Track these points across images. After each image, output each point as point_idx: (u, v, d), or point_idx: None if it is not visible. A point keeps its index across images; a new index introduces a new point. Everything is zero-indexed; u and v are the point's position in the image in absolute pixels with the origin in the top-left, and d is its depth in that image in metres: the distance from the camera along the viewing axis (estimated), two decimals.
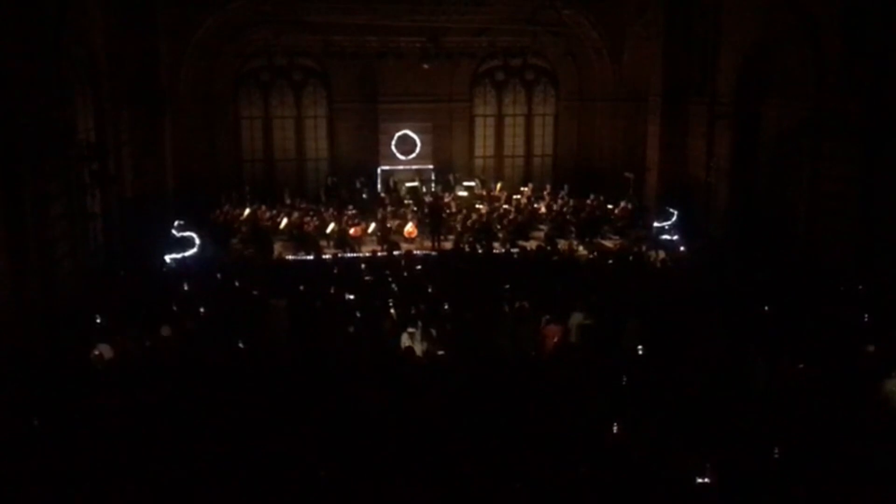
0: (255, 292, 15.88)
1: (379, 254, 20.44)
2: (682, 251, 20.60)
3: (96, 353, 11.97)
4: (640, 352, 12.28)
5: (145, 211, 21.34)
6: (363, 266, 18.11)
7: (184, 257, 19.55)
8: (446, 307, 14.49)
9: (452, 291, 15.60)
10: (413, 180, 27.00)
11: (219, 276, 17.40)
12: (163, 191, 22.68)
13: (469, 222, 22.73)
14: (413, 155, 27.63)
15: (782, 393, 10.56)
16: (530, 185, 27.22)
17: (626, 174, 25.98)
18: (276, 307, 14.28)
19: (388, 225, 22.59)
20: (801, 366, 11.12)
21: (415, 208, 24.24)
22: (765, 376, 10.94)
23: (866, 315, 13.32)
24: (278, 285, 16.23)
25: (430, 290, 16.09)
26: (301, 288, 16.23)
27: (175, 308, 14.45)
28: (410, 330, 12.84)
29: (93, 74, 18.84)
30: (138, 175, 21.72)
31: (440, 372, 11.71)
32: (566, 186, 26.42)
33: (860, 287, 15.20)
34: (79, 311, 14.28)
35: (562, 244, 20.98)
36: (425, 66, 25.50)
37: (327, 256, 20.28)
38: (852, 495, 7.99)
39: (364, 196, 25.90)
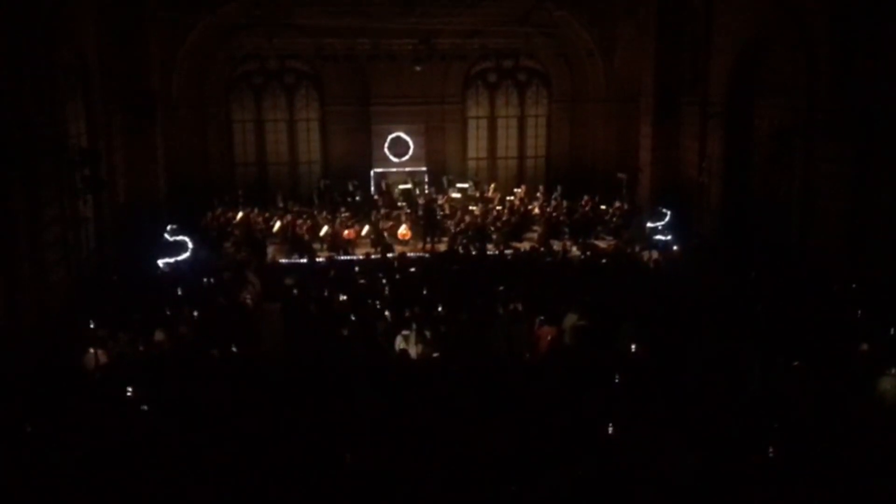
0: (247, 296, 15.88)
1: (373, 256, 20.42)
2: (676, 251, 20.62)
3: (90, 358, 11.94)
4: (634, 352, 12.29)
5: (138, 216, 21.28)
6: (357, 269, 18.09)
7: (177, 262, 19.47)
8: (440, 309, 14.49)
9: (446, 293, 15.59)
10: (406, 182, 26.97)
11: (211, 280, 17.34)
12: (155, 195, 22.61)
13: (463, 224, 22.72)
14: (406, 157, 27.62)
15: (776, 392, 10.57)
16: (523, 186, 27.23)
17: (619, 175, 26.01)
18: (270, 310, 14.26)
19: (382, 227, 22.57)
20: (795, 365, 11.14)
21: (408, 210, 24.22)
22: (759, 376, 10.96)
23: (859, 313, 13.35)
24: (272, 288, 16.28)
25: (424, 292, 16.09)
26: (295, 291, 16.23)
27: (168, 313, 14.40)
28: (405, 332, 12.84)
29: (84, 79, 18.79)
30: (130, 180, 21.67)
31: (435, 374, 11.71)
32: (559, 187, 26.42)
33: (853, 285, 15.24)
34: (72, 317, 14.23)
35: (555, 245, 20.99)
36: (417, 69, 25.50)
37: (321, 259, 20.25)
38: (848, 494, 8.01)
39: (357, 199, 25.87)
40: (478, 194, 26.38)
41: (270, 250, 21.48)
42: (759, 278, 16.64)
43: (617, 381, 10.95)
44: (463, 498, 8.12)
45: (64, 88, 16.81)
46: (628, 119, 26.44)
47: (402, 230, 22.56)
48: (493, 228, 22.81)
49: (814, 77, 17.72)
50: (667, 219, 22.62)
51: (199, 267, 18.63)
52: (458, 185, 26.88)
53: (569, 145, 28.97)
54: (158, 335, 12.98)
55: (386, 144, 27.45)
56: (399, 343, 12.68)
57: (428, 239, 22.28)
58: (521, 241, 22.46)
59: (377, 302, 15.44)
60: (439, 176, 27.51)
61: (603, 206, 24.67)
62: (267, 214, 23.74)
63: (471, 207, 24.63)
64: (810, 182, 18.14)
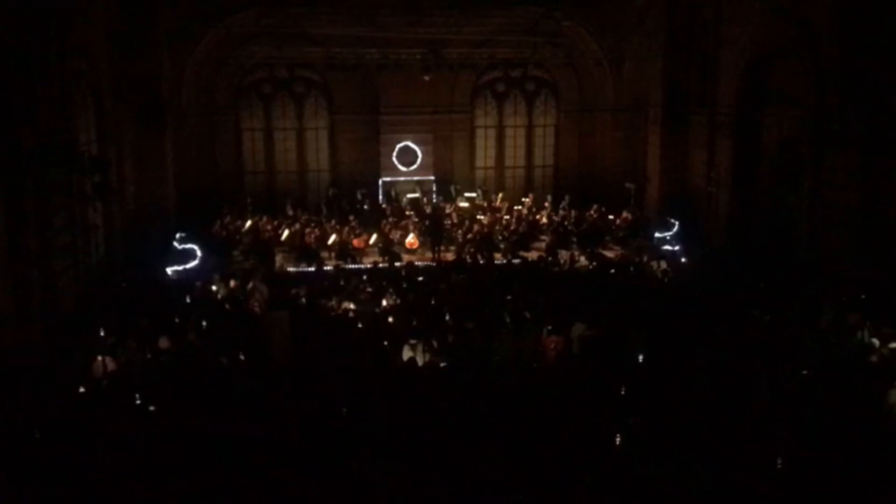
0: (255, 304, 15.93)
1: (381, 265, 20.45)
2: (684, 261, 20.59)
3: (98, 364, 11.98)
4: (642, 362, 12.26)
5: (147, 223, 21.37)
6: (365, 277, 18.11)
7: (185, 269, 19.54)
8: (448, 318, 14.49)
9: (454, 302, 15.60)
10: (414, 191, 27.01)
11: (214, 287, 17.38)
12: (164, 203, 22.72)
13: (471, 233, 22.73)
14: (414, 166, 27.64)
15: (785, 403, 10.53)
16: (531, 195, 27.21)
17: (627, 184, 25.99)
18: (278, 319, 14.29)
19: (390, 236, 22.59)
20: (804, 375, 11.11)
21: (416, 219, 24.25)
22: (767, 386, 10.92)
23: (868, 324, 13.29)
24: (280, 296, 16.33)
25: (431, 301, 16.10)
26: (303, 299, 16.27)
27: (177, 320, 14.44)
28: (412, 341, 12.84)
29: (95, 87, 18.92)
30: (140, 187, 21.77)
31: (442, 383, 11.70)
32: (567, 197, 26.40)
33: (862, 296, 15.18)
34: (81, 323, 14.28)
35: (563, 255, 20.98)
36: (426, 78, 25.54)
37: (329, 268, 20.28)
38: None
39: (365, 207, 25.91)
40: (485, 203, 26.40)
41: (279, 258, 21.53)
42: (767, 288, 16.60)
43: (624, 391, 10.92)
44: None
45: (75, 97, 16.92)
46: (636, 129, 26.46)
47: (410, 239, 22.58)
48: (500, 238, 22.81)
49: (822, 87, 17.71)
50: (675, 228, 22.60)
51: (208, 275, 18.69)
52: (466, 195, 26.90)
53: (577, 155, 28.95)
54: (163, 342, 13.01)
55: (394, 153, 27.49)
56: (406, 352, 12.69)
57: (435, 248, 22.27)
58: (528, 250, 22.43)
59: (385, 311, 15.51)
60: (447, 185, 27.54)
61: (611, 216, 24.64)
62: (276, 222, 23.79)
63: (479, 216, 24.63)
64: (818, 191, 18.11)
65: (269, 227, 23.40)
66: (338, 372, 11.84)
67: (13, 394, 10.79)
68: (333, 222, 23.67)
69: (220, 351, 12.75)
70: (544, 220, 24.68)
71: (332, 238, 22.11)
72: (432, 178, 27.69)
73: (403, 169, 27.58)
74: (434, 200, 26.60)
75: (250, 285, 16.73)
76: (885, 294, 15.02)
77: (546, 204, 26.15)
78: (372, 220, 24.14)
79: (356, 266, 20.65)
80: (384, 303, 15.94)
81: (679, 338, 13.00)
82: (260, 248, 21.64)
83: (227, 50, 25.17)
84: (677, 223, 22.65)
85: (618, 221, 24.31)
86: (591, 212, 24.79)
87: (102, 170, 17.01)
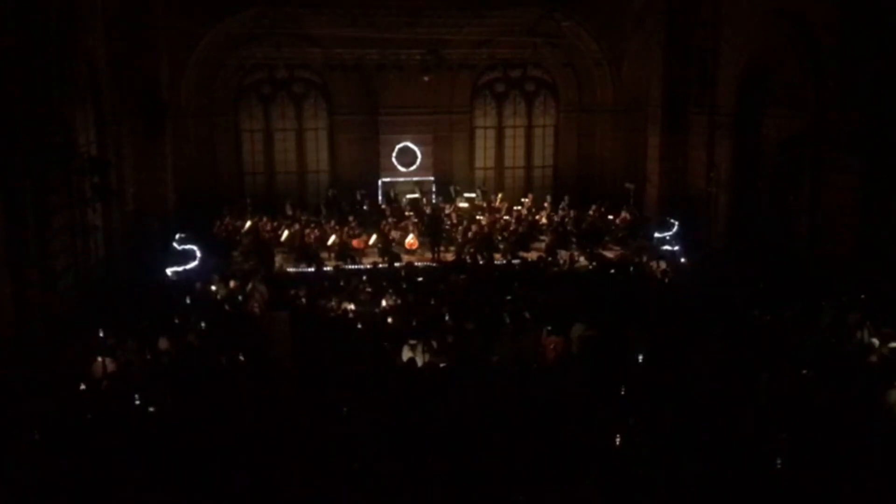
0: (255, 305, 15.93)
1: (380, 265, 20.45)
2: (684, 261, 20.59)
3: (98, 365, 11.98)
4: (642, 362, 12.26)
5: (146, 224, 21.37)
6: (364, 278, 18.12)
7: (185, 270, 19.54)
8: (447, 318, 14.49)
9: (454, 302, 15.60)
10: (414, 192, 27.01)
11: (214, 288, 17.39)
12: (164, 204, 22.73)
13: (470, 234, 22.73)
14: (414, 167, 27.64)
15: (784, 403, 10.53)
16: (531, 195, 27.21)
17: (627, 185, 25.99)
18: (278, 319, 14.29)
19: (390, 237, 22.59)
20: (804, 375, 11.10)
21: (416, 220, 24.25)
22: (766, 386, 10.92)
23: (868, 323, 13.30)
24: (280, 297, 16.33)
25: (431, 301, 16.10)
26: (303, 300, 16.27)
27: (177, 321, 14.44)
28: (412, 341, 12.84)
29: (94, 88, 18.93)
30: (139, 188, 21.78)
31: (441, 383, 11.70)
32: (567, 197, 26.40)
33: (862, 295, 15.19)
34: (80, 324, 14.29)
35: (563, 255, 20.98)
36: (426, 79, 25.56)
37: (328, 268, 20.28)
38: None
39: (365, 208, 25.91)
40: (485, 204, 26.40)
41: (278, 259, 21.52)
42: (767, 288, 16.60)
43: (624, 391, 10.93)
44: None
45: (74, 98, 16.92)
46: (636, 129, 26.46)
47: (410, 240, 22.57)
48: (500, 238, 22.81)
49: (822, 87, 17.73)
50: (675, 229, 22.61)
51: (208, 275, 18.69)
52: (466, 195, 26.89)
53: (576, 155, 28.95)
54: (162, 343, 13.01)
55: (394, 154, 27.49)
56: (406, 352, 12.69)
57: (434, 248, 22.27)
58: (528, 250, 22.43)
59: (384, 311, 15.51)
60: (447, 185, 27.54)
61: (610, 216, 24.64)
62: (275, 223, 23.78)
63: (478, 217, 24.63)
64: (818, 191, 18.12)
65: (268, 228, 23.39)
66: (338, 372, 11.83)
67: (13, 394, 10.79)
68: (333, 223, 23.66)
69: (219, 352, 12.75)
70: (544, 220, 24.68)
71: (332, 239, 22.11)
72: (432, 178, 27.70)
73: (403, 169, 27.58)
74: (433, 201, 26.60)
75: (250, 286, 16.73)
76: (885, 294, 15.02)
77: (545, 204, 26.16)
78: (371, 221, 24.14)
79: (356, 266, 20.66)
80: (384, 303, 15.96)
81: (679, 338, 13.00)
82: (259, 249, 21.62)
83: (226, 51, 25.19)
84: (677, 223, 22.65)
85: (617, 221, 24.32)
86: (591, 212, 24.80)
87: (102, 170, 17.03)
